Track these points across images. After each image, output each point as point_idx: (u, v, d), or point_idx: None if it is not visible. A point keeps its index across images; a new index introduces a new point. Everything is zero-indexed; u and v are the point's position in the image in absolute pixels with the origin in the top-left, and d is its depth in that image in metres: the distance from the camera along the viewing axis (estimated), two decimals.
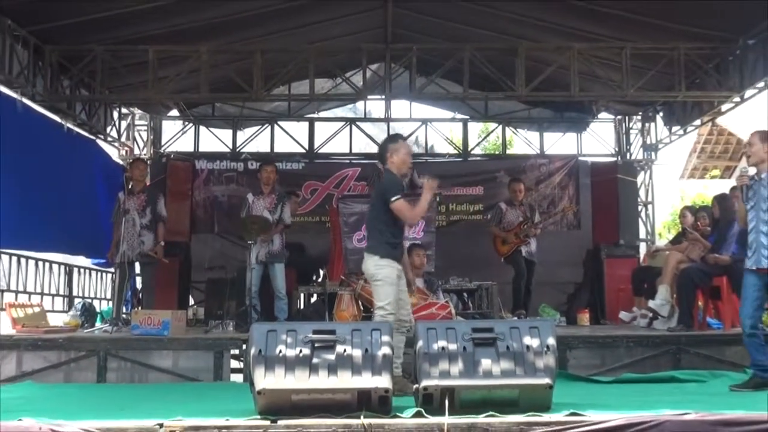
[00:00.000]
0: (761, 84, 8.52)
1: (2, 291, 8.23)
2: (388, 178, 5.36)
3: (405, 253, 5.63)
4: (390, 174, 5.37)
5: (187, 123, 11.95)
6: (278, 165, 9.87)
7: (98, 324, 8.37)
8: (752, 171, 5.50)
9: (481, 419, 3.69)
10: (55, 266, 9.46)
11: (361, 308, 7.93)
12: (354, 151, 12.06)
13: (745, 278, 5.43)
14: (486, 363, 4.00)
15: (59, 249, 9.22)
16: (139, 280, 9.37)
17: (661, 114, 11.32)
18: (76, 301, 9.73)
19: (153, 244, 8.18)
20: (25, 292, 8.69)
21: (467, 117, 12.36)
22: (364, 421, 3.65)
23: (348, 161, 11.82)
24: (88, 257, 9.92)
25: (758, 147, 5.33)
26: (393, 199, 5.19)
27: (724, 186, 13.17)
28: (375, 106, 12.48)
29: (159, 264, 8.36)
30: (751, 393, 5.19)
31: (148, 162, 10.95)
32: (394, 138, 5.71)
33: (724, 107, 9.72)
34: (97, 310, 9.49)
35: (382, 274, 5.22)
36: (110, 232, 8.46)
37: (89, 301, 10.02)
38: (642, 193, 11.87)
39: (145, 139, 11.77)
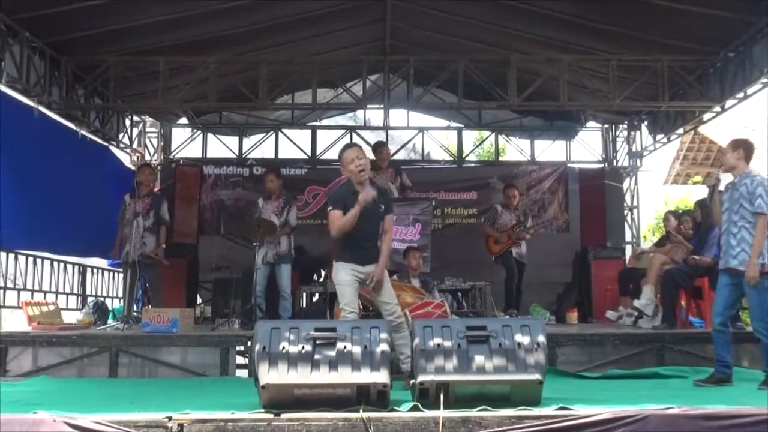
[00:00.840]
0: (741, 95, 8.53)
1: (19, 290, 8.21)
2: (336, 188, 5.37)
3: (384, 252, 5.40)
4: (341, 185, 5.38)
5: (195, 130, 11.95)
6: (282, 170, 9.87)
7: (110, 321, 8.35)
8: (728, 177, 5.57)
9: (474, 413, 3.69)
10: (69, 266, 9.44)
11: (361, 307, 7.91)
12: None
13: (719, 278, 5.50)
14: (479, 359, 4.00)
15: (73, 251, 9.19)
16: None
17: (645, 123, 11.33)
18: (89, 299, 9.70)
19: (155, 246, 8.17)
20: (40, 290, 8.66)
21: (462, 125, 12.37)
22: (363, 414, 3.65)
23: None
24: (103, 258, 9.88)
25: (729, 155, 5.42)
26: (328, 208, 5.35)
27: (706, 191, 13.18)
28: (374, 114, 12.49)
29: (162, 265, 8.34)
30: (729, 388, 5.20)
31: (158, 167, 10.99)
32: (341, 150, 5.46)
33: (705, 116, 9.73)
34: (110, 308, 9.46)
35: (336, 277, 5.36)
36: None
37: (102, 299, 10.00)
38: (628, 197, 11.88)
39: (155, 145, 11.77)
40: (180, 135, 12.24)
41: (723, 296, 5.39)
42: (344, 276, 5.29)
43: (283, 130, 12.02)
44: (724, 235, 5.41)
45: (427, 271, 8.52)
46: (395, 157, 11.25)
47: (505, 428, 3.58)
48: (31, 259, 8.46)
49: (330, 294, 8.09)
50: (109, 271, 10.60)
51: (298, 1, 8.16)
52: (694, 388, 5.31)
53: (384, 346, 3.97)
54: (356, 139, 12.03)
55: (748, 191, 5.22)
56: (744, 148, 5.41)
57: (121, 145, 10.90)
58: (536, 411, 3.77)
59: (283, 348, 3.90)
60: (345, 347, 3.94)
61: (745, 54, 8.10)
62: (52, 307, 8.15)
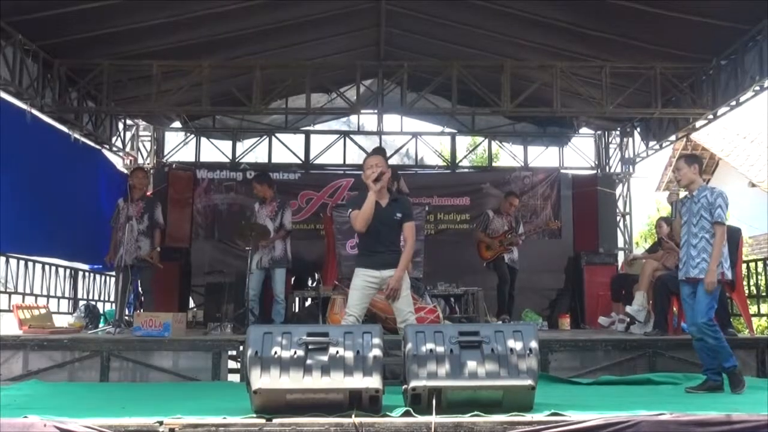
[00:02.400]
0: (733, 102, 8.57)
1: (10, 293, 8.17)
2: (354, 194, 5.46)
3: (404, 259, 5.40)
4: (360, 193, 5.46)
5: (188, 134, 11.93)
6: (275, 175, 9.86)
7: (102, 325, 8.32)
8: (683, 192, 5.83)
9: (466, 419, 3.68)
10: (60, 269, 9.40)
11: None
12: (348, 162, 12.05)
13: (681, 289, 5.65)
14: (472, 365, 3.99)
15: (64, 255, 9.15)
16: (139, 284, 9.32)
17: (638, 129, 11.37)
18: (81, 303, 9.67)
19: (149, 249, 8.16)
20: (31, 294, 8.62)
21: (455, 131, 12.39)
22: (355, 419, 3.64)
23: (342, 172, 11.82)
24: (86, 263, 9.82)
25: (686, 170, 5.57)
26: (348, 212, 5.47)
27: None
28: (368, 119, 12.51)
29: (156, 268, 8.32)
30: (720, 394, 5.23)
31: (151, 171, 10.96)
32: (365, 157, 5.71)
33: (698, 123, 9.77)
34: (101, 312, 9.43)
35: (352, 282, 5.45)
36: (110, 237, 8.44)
37: (93, 303, 9.96)
38: (620, 204, 11.91)
39: (148, 149, 11.75)
40: (173, 139, 12.24)
41: (690, 306, 5.52)
42: (356, 281, 5.39)
43: (277, 134, 12.01)
44: (683, 247, 5.56)
45: (420, 276, 8.53)
46: (389, 163, 11.23)
47: None
48: (22, 262, 8.42)
49: (323, 299, 8.09)
50: (100, 274, 10.56)
51: (292, 6, 8.16)
52: (686, 394, 5.33)
53: (376, 351, 3.96)
54: (349, 144, 12.06)
55: (708, 202, 5.40)
56: (698, 163, 5.70)
57: (114, 149, 10.87)
58: (528, 417, 3.77)
59: (276, 353, 3.89)
60: (337, 352, 3.93)
61: (737, 62, 8.15)
62: (43, 311, 8.12)
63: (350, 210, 5.44)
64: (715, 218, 5.35)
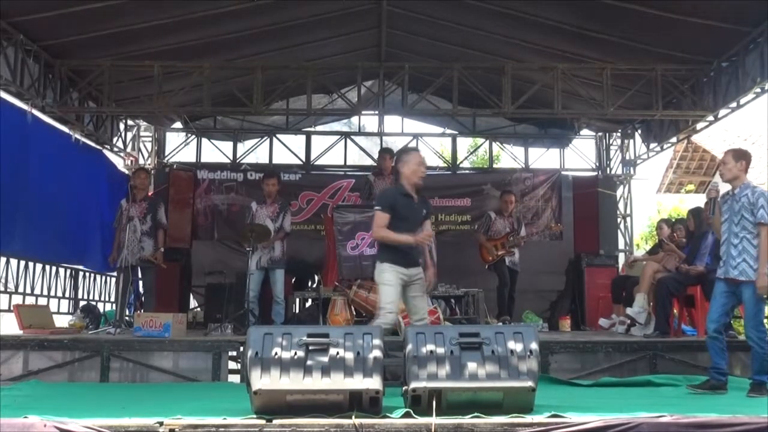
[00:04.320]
0: (734, 104, 8.57)
1: (10, 293, 8.17)
2: (383, 188, 5.40)
3: (428, 257, 5.56)
4: (391, 185, 5.42)
5: (189, 135, 11.92)
6: None
7: (102, 326, 8.32)
8: (726, 186, 5.59)
9: (467, 420, 3.68)
10: (61, 269, 9.41)
11: (354, 313, 7.91)
12: (348, 163, 12.05)
13: (716, 286, 5.53)
14: (472, 366, 3.99)
15: (64, 257, 9.14)
16: (141, 284, 9.32)
17: (639, 131, 11.37)
18: (81, 303, 9.67)
19: (153, 249, 8.16)
20: (32, 294, 8.63)
21: (456, 132, 12.39)
22: (355, 421, 3.64)
23: (343, 173, 11.81)
24: (86, 265, 9.81)
25: (732, 165, 5.40)
26: (376, 207, 5.37)
27: (699, 200, 13.24)
28: (369, 120, 12.50)
29: (158, 269, 8.33)
30: (722, 396, 5.22)
31: (152, 171, 10.96)
32: (406, 149, 5.73)
33: (698, 125, 9.77)
34: (101, 312, 9.43)
35: (381, 278, 5.34)
36: (112, 238, 8.44)
37: (94, 303, 9.97)
38: (621, 206, 11.90)
39: (149, 149, 11.75)
40: (174, 139, 12.24)
41: (719, 304, 5.42)
42: (391, 277, 5.30)
43: (278, 135, 12.00)
44: (724, 245, 5.43)
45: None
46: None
47: None
48: (22, 263, 8.42)
49: (323, 300, 8.09)
50: (101, 275, 10.57)
51: (294, 7, 8.16)
52: (687, 396, 5.32)
53: (377, 353, 3.96)
54: (350, 145, 12.06)
55: (749, 202, 5.26)
56: (746, 159, 5.45)
57: (115, 149, 10.88)
58: (528, 418, 3.76)
59: (276, 354, 3.89)
60: (338, 353, 3.93)
61: (738, 64, 8.14)
62: (43, 311, 8.12)
63: (378, 207, 5.33)
64: (759, 219, 5.19)
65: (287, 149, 12.09)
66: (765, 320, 5.50)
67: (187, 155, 11.98)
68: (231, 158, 11.94)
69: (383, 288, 5.34)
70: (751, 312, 5.25)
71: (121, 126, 11.08)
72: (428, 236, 5.41)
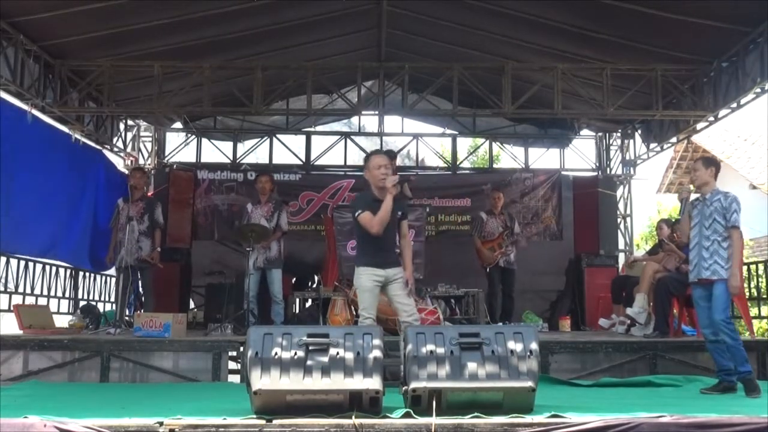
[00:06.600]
0: (734, 104, 8.57)
1: (10, 293, 8.17)
2: (357, 195, 5.41)
3: (408, 256, 5.52)
4: (362, 193, 5.44)
5: (189, 135, 11.93)
6: (276, 176, 9.86)
7: (102, 326, 8.32)
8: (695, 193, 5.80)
9: (467, 420, 3.68)
10: (61, 269, 9.40)
11: (354, 313, 7.91)
12: (348, 163, 12.04)
13: (693, 292, 5.68)
14: (472, 366, 3.99)
15: (62, 256, 9.13)
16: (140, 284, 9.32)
17: (639, 131, 11.37)
18: (81, 303, 9.66)
19: (150, 249, 8.16)
20: (32, 294, 8.62)
21: (456, 132, 12.39)
22: (355, 421, 3.64)
23: (343, 173, 11.81)
24: (85, 265, 9.79)
25: (702, 171, 5.60)
26: (356, 214, 5.34)
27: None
28: (369, 121, 12.51)
29: (157, 269, 8.32)
30: (721, 396, 5.23)
31: (151, 171, 10.97)
32: (366, 156, 5.71)
33: (698, 126, 9.76)
34: (101, 312, 9.43)
35: (358, 282, 5.41)
36: (109, 238, 8.44)
37: (94, 303, 9.96)
38: (621, 206, 11.90)
39: (149, 149, 11.75)
40: (174, 139, 12.24)
41: (703, 308, 5.55)
42: (365, 282, 5.34)
43: (278, 135, 12.00)
44: (694, 249, 5.57)
45: (420, 277, 8.52)
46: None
47: None
48: (22, 262, 8.42)
49: (323, 300, 8.09)
50: (101, 275, 10.56)
51: (293, 8, 8.17)
52: (687, 396, 5.35)
53: (377, 353, 3.96)
54: (350, 145, 12.06)
55: (722, 206, 5.42)
56: (715, 166, 5.67)
57: (115, 149, 10.88)
58: (528, 418, 3.76)
59: (276, 354, 3.89)
60: (338, 353, 3.93)
61: (738, 64, 8.14)
62: (43, 311, 8.12)
63: (359, 211, 5.31)
64: (732, 222, 5.37)
65: (287, 149, 12.09)
66: None
67: (187, 155, 11.99)
68: (231, 158, 11.94)
69: (359, 293, 5.45)
70: (721, 307, 5.35)
71: (121, 126, 11.08)
72: (392, 180, 5.29)
